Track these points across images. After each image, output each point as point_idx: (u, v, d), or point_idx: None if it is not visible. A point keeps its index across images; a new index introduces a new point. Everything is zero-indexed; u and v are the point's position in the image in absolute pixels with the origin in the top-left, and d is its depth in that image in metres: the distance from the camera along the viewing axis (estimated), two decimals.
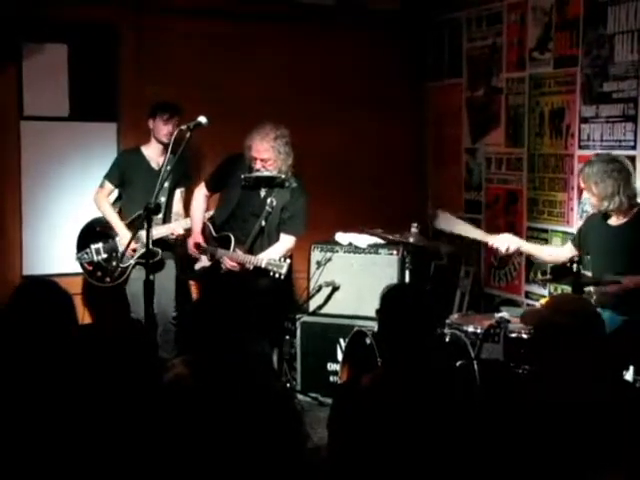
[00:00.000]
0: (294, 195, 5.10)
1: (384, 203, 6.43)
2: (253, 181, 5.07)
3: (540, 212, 5.69)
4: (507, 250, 4.77)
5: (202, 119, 4.52)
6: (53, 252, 5.87)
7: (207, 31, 6.09)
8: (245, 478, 2.37)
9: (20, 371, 2.67)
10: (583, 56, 5.20)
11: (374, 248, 5.72)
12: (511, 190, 5.97)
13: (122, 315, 5.42)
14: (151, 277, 4.25)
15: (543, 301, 4.21)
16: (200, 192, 5.32)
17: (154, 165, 5.44)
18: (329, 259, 5.72)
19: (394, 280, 5.48)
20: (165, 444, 2.42)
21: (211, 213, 5.41)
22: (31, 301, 2.79)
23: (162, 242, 5.32)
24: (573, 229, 5.31)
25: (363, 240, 5.77)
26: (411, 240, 5.05)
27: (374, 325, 4.61)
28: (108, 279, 5.42)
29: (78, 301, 5.63)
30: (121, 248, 5.28)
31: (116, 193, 5.55)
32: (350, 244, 5.77)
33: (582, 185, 4.47)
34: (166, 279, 5.40)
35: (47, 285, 2.93)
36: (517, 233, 5.82)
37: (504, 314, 4.57)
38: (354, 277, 5.68)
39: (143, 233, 4.52)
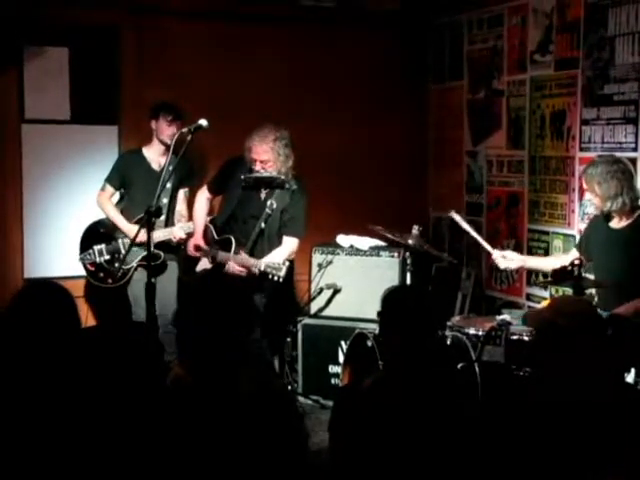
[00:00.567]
0: (294, 197, 5.08)
1: (385, 205, 6.42)
2: (253, 182, 5.05)
3: (541, 214, 5.69)
4: (506, 269, 4.92)
5: (203, 122, 4.53)
6: (54, 255, 5.87)
7: (208, 33, 6.11)
8: (246, 478, 2.37)
9: (24, 374, 2.66)
10: (584, 58, 5.20)
11: (375, 250, 5.73)
12: (512, 192, 5.97)
13: (124, 317, 5.43)
14: (153, 279, 4.25)
15: (544, 303, 4.20)
16: (202, 195, 5.31)
17: (155, 166, 5.44)
18: (330, 261, 5.72)
19: (395, 282, 5.49)
20: (169, 445, 2.42)
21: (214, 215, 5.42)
22: (33, 303, 2.77)
23: (165, 244, 5.33)
24: (574, 231, 5.31)
25: (364, 242, 5.78)
26: (410, 242, 5.04)
27: (375, 327, 4.61)
28: (110, 280, 5.43)
29: (80, 304, 5.61)
30: (124, 249, 5.29)
31: (118, 195, 5.56)
32: (351, 246, 5.78)
33: (585, 186, 4.44)
34: (168, 281, 5.41)
35: (49, 287, 2.91)
36: (518, 236, 5.84)
37: (505, 316, 4.56)
38: (355, 279, 5.68)
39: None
